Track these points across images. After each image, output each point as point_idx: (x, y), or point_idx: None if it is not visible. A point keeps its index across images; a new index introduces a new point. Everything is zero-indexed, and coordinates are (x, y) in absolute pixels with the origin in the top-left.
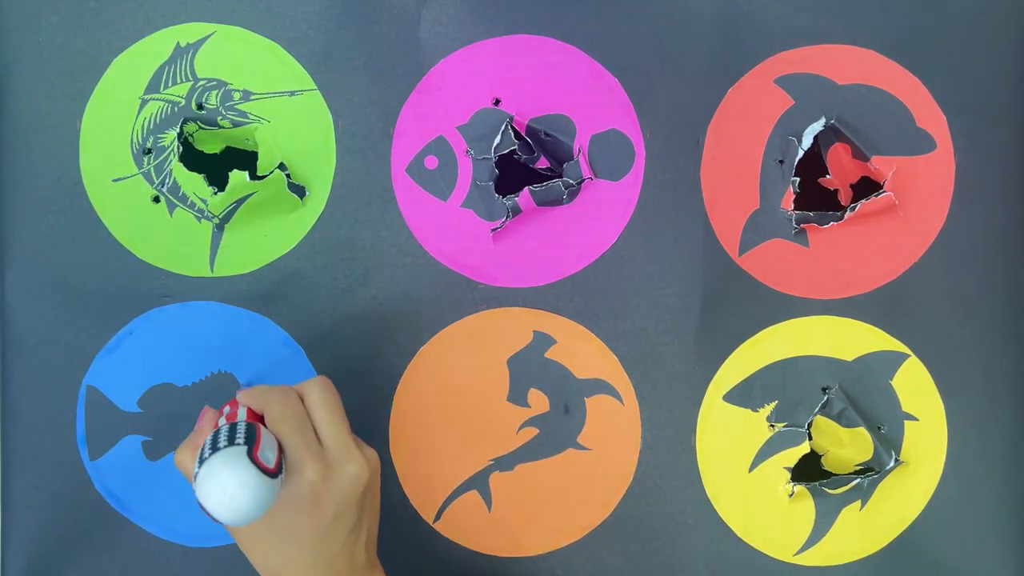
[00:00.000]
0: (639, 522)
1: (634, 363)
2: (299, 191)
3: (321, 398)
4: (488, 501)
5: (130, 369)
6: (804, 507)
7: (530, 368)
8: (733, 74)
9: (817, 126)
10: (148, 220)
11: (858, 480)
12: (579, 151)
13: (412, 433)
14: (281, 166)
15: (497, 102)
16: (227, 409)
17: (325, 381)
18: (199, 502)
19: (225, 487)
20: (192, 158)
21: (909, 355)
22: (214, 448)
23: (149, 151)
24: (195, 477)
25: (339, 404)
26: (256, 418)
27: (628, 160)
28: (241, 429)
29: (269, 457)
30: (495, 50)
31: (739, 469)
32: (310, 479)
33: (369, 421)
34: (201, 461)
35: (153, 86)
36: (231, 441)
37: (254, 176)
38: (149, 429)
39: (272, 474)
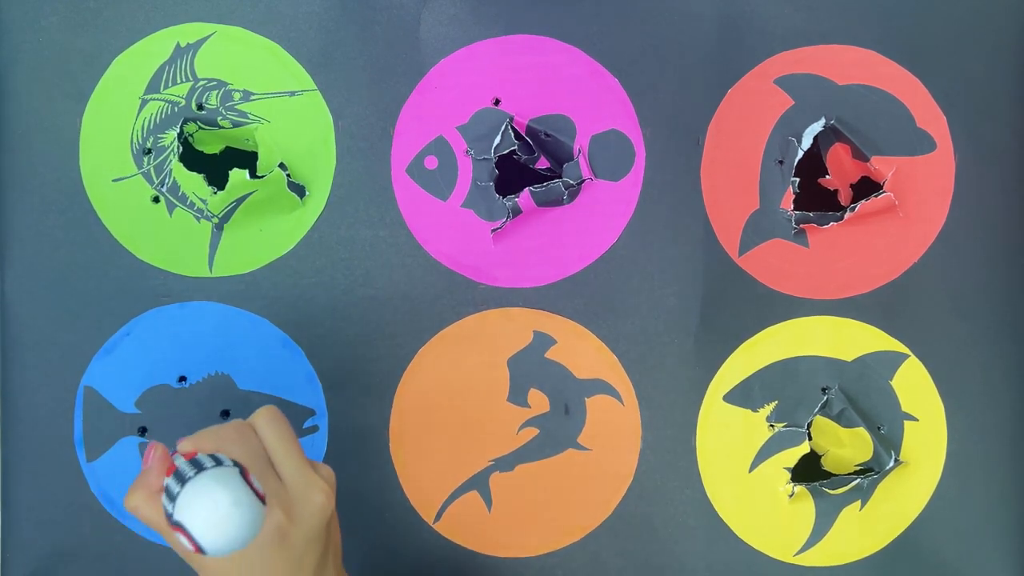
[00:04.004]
0: (639, 522)
1: (634, 363)
2: (299, 191)
3: (275, 431)
4: (488, 501)
5: (128, 370)
6: (804, 507)
7: (530, 368)
8: (733, 74)
9: (817, 126)
10: (147, 220)
11: (858, 480)
12: (579, 151)
13: (412, 433)
14: (281, 166)
15: (497, 102)
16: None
17: (272, 411)
18: (179, 528)
19: (219, 503)
20: (192, 158)
21: (908, 355)
22: (199, 469)
23: (149, 151)
24: (175, 501)
25: (291, 432)
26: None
27: (628, 160)
28: (221, 456)
29: (258, 485)
30: (495, 50)
31: (739, 469)
32: (277, 520)
33: (369, 421)
34: (182, 483)
35: (153, 86)
36: (218, 463)
37: (254, 176)
38: (146, 431)
39: (263, 500)
